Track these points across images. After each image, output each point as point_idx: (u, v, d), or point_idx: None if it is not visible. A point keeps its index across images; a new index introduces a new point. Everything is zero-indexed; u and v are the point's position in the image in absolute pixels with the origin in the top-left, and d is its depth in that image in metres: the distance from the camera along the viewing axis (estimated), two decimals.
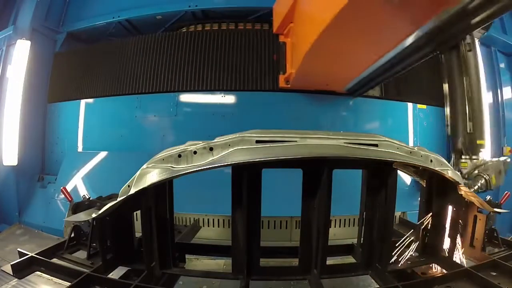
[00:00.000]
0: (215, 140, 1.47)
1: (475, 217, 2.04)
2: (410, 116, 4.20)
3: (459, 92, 2.31)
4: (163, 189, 1.80)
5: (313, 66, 3.03)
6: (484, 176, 2.26)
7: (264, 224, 3.35)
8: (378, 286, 1.79)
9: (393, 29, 2.10)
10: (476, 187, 2.27)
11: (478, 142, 2.23)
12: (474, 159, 2.28)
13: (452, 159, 2.39)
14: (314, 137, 1.49)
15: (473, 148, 2.25)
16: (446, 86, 2.45)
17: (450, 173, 1.77)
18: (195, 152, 1.45)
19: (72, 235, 2.03)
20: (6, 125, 4.10)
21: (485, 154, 2.35)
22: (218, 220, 3.42)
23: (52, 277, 1.72)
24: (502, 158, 2.38)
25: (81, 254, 1.98)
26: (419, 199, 2.25)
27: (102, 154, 4.08)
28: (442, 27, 1.92)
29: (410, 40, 2.17)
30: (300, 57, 2.94)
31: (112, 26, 4.58)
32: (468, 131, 2.20)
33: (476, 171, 2.27)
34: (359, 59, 2.79)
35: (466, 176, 2.31)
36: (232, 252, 1.83)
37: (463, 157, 2.29)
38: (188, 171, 1.44)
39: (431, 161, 1.70)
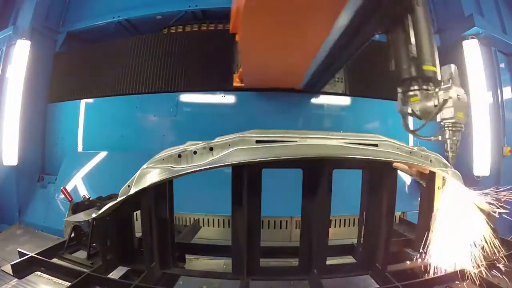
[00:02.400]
0: (215, 140, 1.47)
1: (475, 217, 2.03)
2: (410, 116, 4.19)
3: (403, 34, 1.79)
4: (163, 189, 1.80)
5: (252, 60, 2.98)
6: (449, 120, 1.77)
7: (264, 224, 3.35)
8: (378, 286, 1.79)
9: (315, 11, 1.95)
10: (454, 139, 1.81)
11: (425, 67, 1.73)
12: (424, 89, 1.79)
13: (399, 97, 1.94)
14: (314, 137, 1.49)
15: (421, 76, 1.76)
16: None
17: (450, 173, 1.76)
18: (195, 152, 1.45)
19: (72, 235, 2.03)
20: (6, 125, 4.10)
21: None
22: (218, 220, 3.42)
23: (52, 277, 1.72)
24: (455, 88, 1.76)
25: (81, 254, 1.98)
26: (419, 199, 2.25)
27: (102, 154, 4.08)
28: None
29: (344, 20, 1.97)
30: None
31: (112, 26, 4.58)
32: (410, 55, 1.74)
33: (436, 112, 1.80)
34: (295, 49, 2.60)
35: (421, 117, 1.89)
36: (232, 252, 1.83)
37: (410, 88, 1.82)
38: (188, 171, 1.44)
39: (431, 161, 1.70)
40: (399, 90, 1.93)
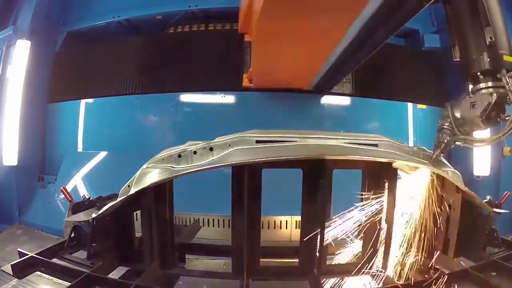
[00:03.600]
0: (215, 140, 1.47)
1: (475, 217, 2.03)
2: (410, 116, 4.21)
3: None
4: (163, 189, 1.80)
5: (264, 61, 2.97)
6: None
7: (264, 224, 3.35)
8: (378, 286, 1.79)
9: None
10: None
11: (506, 58, 1.34)
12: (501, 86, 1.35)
13: (470, 89, 1.48)
14: (314, 137, 1.49)
15: (500, 65, 1.33)
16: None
17: (450, 173, 1.76)
18: (195, 152, 1.46)
19: (72, 235, 2.02)
20: (6, 125, 4.10)
21: None
22: (218, 220, 3.42)
23: (52, 277, 1.71)
24: None
25: (81, 254, 1.98)
26: None
27: (102, 154, 4.08)
28: None
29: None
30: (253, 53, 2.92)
31: (112, 26, 4.58)
32: (488, 40, 1.34)
33: None
34: (309, 49, 2.56)
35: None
36: (232, 252, 1.83)
37: (482, 84, 1.38)
38: (188, 171, 1.45)
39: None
40: (469, 87, 1.49)
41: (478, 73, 1.40)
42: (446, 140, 1.57)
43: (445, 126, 1.57)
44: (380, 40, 2.31)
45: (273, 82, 3.66)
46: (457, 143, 1.57)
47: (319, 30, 2.19)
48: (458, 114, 1.54)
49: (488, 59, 1.37)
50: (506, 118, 1.37)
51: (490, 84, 1.37)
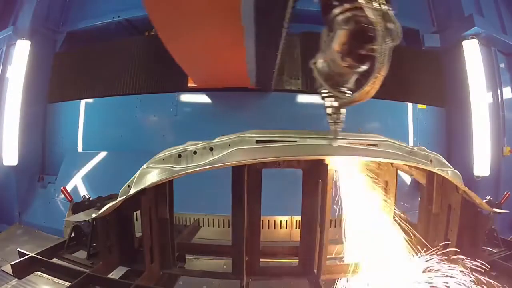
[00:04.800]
0: (215, 140, 1.47)
1: (475, 217, 2.03)
2: (410, 116, 4.21)
3: None
4: (163, 189, 1.80)
5: (180, 58, 2.94)
6: None
7: (264, 224, 3.35)
8: (378, 286, 1.78)
9: None
10: None
11: None
12: None
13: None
14: (314, 137, 1.49)
15: None
16: None
17: (450, 173, 1.76)
18: (195, 152, 1.45)
19: (72, 235, 2.03)
20: (6, 125, 4.10)
21: None
22: (218, 220, 3.42)
23: (52, 277, 1.72)
24: None
25: (81, 254, 1.98)
26: (419, 199, 2.25)
27: (102, 154, 4.08)
28: None
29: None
30: None
31: (112, 26, 4.57)
32: None
33: None
34: (213, 49, 2.48)
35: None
36: (232, 252, 1.83)
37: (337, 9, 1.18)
38: (188, 171, 1.45)
39: (431, 161, 1.70)
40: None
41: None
42: (332, 109, 1.38)
43: (323, 93, 1.38)
44: (277, 26, 2.10)
45: (210, 82, 3.66)
46: (331, 104, 1.36)
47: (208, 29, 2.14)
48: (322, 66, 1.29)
49: None
50: (372, 52, 1.11)
51: (347, 6, 1.15)
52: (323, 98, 1.38)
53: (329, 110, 1.39)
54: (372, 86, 1.16)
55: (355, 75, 1.24)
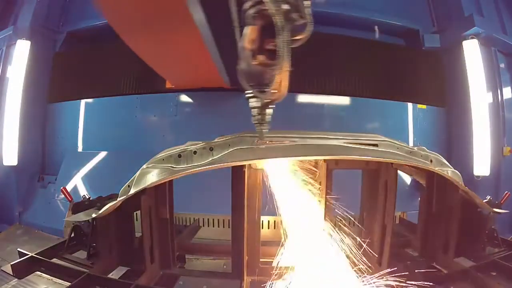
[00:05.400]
0: (215, 140, 1.47)
1: (475, 217, 2.04)
2: (410, 116, 4.21)
3: None
4: (163, 189, 1.80)
5: (155, 64, 2.98)
6: None
7: (264, 224, 3.35)
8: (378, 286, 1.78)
9: None
10: None
11: None
12: None
13: None
14: (314, 137, 1.49)
15: None
16: None
17: (450, 173, 1.77)
18: (195, 152, 1.45)
19: (72, 235, 2.03)
20: (6, 125, 4.10)
21: None
22: (218, 220, 3.42)
23: (52, 277, 1.72)
24: None
25: (81, 254, 1.98)
26: (419, 199, 2.25)
27: (102, 154, 4.08)
28: None
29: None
30: None
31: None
32: None
33: None
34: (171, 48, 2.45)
35: None
36: (232, 252, 1.83)
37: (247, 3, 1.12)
38: (188, 171, 1.44)
39: (431, 161, 1.70)
40: None
41: None
42: (256, 110, 1.31)
43: (247, 94, 1.29)
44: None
45: (186, 82, 3.66)
46: (255, 104, 1.30)
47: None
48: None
49: None
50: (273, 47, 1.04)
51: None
52: (247, 99, 1.32)
53: (253, 111, 1.33)
54: (280, 83, 1.12)
55: (278, 74, 1.14)
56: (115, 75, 4.19)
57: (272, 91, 1.18)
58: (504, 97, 4.12)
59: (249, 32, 1.11)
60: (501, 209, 2.05)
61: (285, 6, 1.02)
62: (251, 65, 1.15)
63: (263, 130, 1.36)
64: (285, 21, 1.02)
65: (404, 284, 1.63)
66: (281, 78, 1.12)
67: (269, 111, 1.33)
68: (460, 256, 1.99)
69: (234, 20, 1.31)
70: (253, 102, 1.30)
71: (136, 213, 1.86)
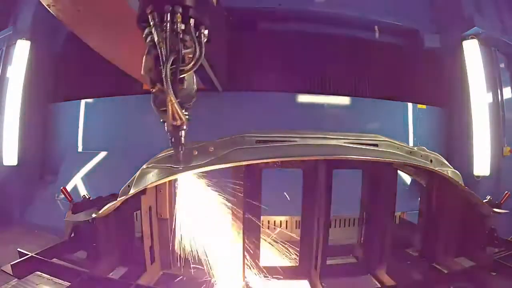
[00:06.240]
0: (215, 140, 1.47)
1: (475, 217, 2.03)
2: (410, 116, 4.21)
3: None
4: (163, 189, 1.80)
5: (121, 64, 3.03)
6: None
7: (264, 224, 3.34)
8: (378, 286, 1.79)
9: None
10: None
11: None
12: None
13: None
14: (314, 137, 1.49)
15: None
16: None
17: (450, 173, 1.76)
18: (195, 152, 1.45)
19: (72, 235, 2.02)
20: (6, 125, 4.10)
21: None
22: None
23: (52, 277, 1.71)
24: None
25: (81, 254, 1.98)
26: (419, 199, 2.25)
27: (102, 154, 4.08)
28: None
29: None
30: None
31: None
32: None
33: None
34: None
35: None
36: (232, 252, 1.82)
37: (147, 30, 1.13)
38: (188, 171, 1.44)
39: (431, 161, 1.70)
40: None
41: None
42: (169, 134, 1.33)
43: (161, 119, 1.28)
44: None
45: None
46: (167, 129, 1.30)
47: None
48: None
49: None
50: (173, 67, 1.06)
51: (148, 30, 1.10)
52: (162, 123, 1.32)
53: (169, 135, 1.33)
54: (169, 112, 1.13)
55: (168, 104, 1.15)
56: (115, 75, 4.18)
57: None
58: (504, 97, 4.13)
59: (145, 61, 1.12)
60: (501, 209, 2.05)
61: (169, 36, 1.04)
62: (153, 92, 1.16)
63: (179, 155, 1.33)
64: (170, 52, 1.05)
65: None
66: (172, 109, 1.12)
67: (182, 133, 1.32)
68: (460, 256, 1.99)
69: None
70: (166, 126, 1.29)
71: (136, 213, 1.86)
